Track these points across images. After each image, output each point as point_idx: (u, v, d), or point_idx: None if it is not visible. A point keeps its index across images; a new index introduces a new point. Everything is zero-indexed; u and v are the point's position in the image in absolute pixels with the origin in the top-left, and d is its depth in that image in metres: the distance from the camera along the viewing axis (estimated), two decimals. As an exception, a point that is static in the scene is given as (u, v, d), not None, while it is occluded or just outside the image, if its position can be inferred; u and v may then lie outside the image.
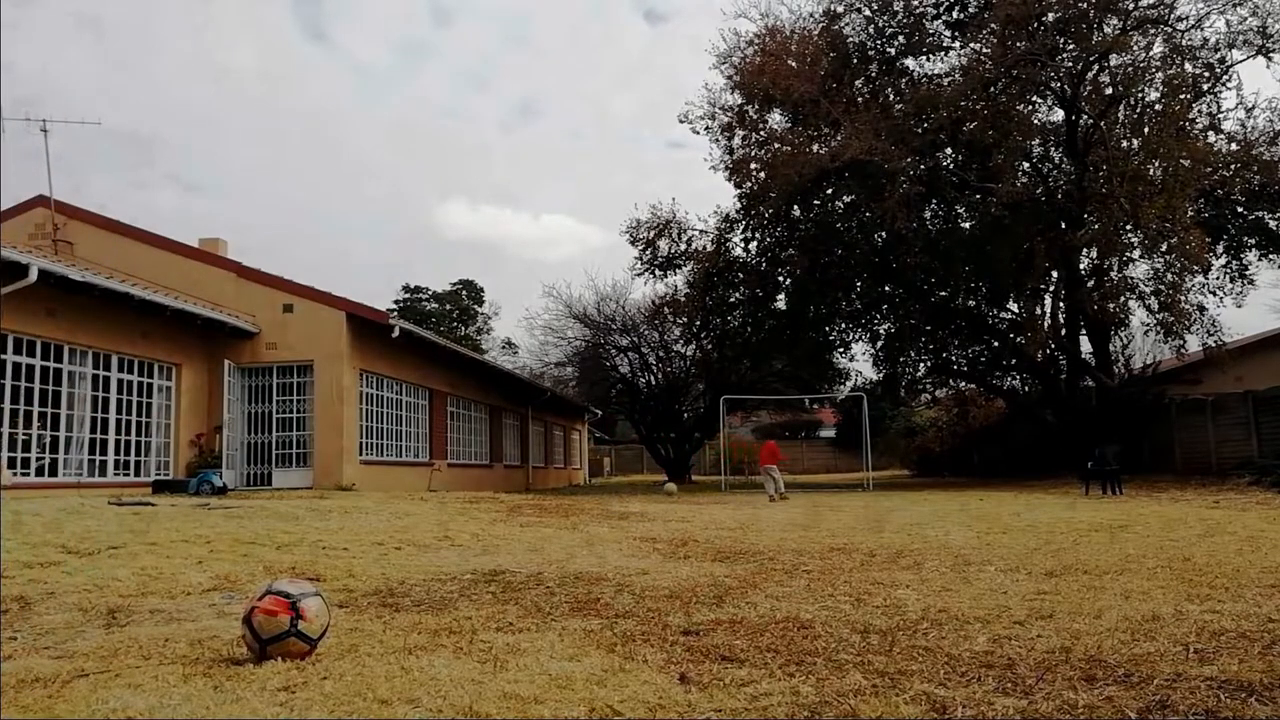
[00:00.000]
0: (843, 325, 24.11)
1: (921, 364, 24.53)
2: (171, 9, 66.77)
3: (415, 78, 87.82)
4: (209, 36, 69.08)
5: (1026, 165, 19.88)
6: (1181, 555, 4.95)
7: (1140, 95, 17.85)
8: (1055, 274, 19.84)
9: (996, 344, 22.57)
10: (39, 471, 11.42)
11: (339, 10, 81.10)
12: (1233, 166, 18.79)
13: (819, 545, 6.04)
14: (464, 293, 52.43)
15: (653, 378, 30.42)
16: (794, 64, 20.30)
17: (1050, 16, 17.51)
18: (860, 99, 19.75)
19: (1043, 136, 19.98)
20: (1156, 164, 16.60)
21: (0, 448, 10.63)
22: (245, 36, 74.37)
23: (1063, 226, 18.30)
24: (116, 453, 12.73)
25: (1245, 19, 17.64)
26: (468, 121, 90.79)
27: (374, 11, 78.10)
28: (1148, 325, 19.76)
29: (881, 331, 23.77)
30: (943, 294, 21.80)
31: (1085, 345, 20.68)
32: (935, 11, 19.78)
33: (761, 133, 21.63)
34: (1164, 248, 16.85)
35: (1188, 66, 17.73)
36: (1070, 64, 17.78)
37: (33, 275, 10.07)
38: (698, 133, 22.42)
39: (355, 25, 79.94)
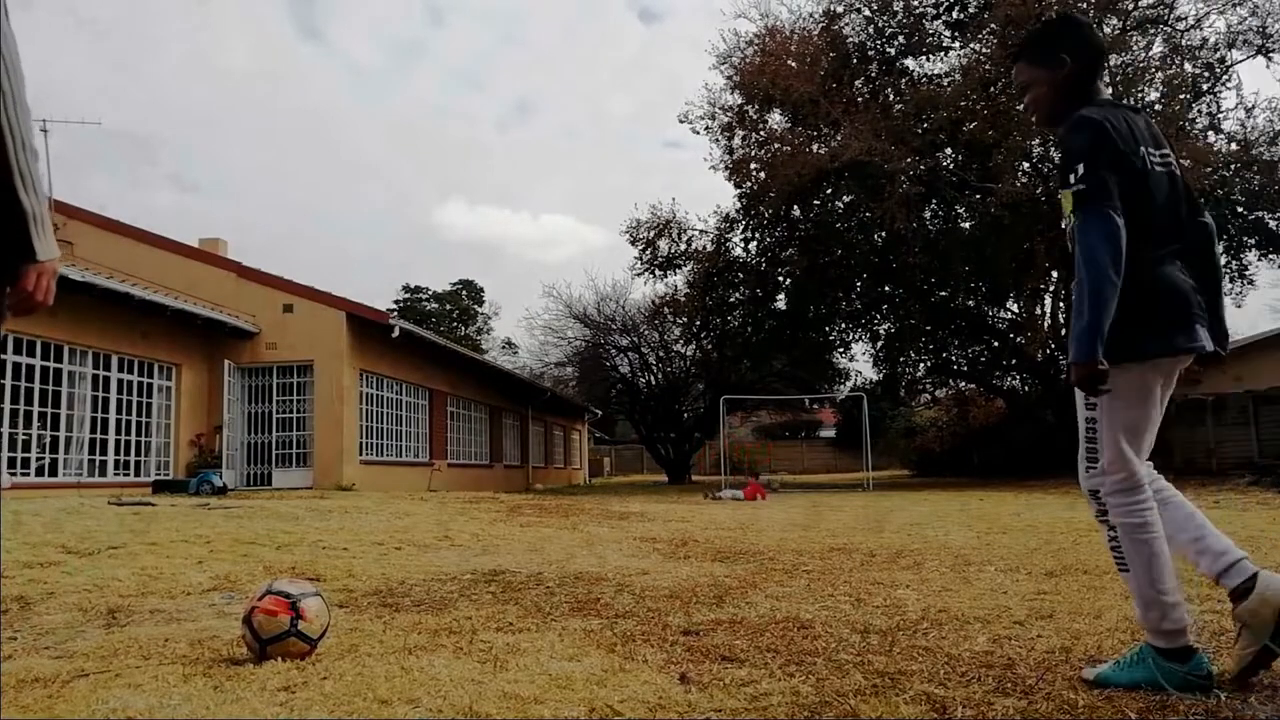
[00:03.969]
0: (843, 325, 24.11)
1: (921, 364, 24.53)
2: (170, 9, 66.80)
3: (412, 77, 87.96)
4: (207, 37, 69.12)
5: (1026, 165, 19.88)
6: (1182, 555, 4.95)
7: (1140, 95, 17.85)
8: (1055, 274, 19.84)
9: (996, 344, 22.57)
10: (39, 471, 11.42)
11: (334, 10, 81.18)
12: (1233, 166, 18.79)
13: (819, 545, 6.04)
14: (464, 293, 52.48)
15: (653, 378, 30.41)
16: (794, 64, 20.30)
17: (1050, 16, 17.50)
18: (860, 99, 19.75)
19: (1043, 136, 19.97)
20: (1157, 164, 16.58)
21: (0, 448, 10.63)
22: (243, 37, 74.41)
23: (1063, 226, 18.29)
24: (116, 453, 12.74)
25: (1245, 19, 17.67)
26: (465, 121, 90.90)
27: (370, 11, 78.19)
28: (1148, 325, 19.75)
29: (881, 331, 23.77)
30: (943, 294, 21.80)
31: (1085, 345, 20.65)
32: (935, 12, 19.79)
33: (761, 133, 21.64)
34: (1164, 248, 16.84)
35: (1187, 66, 17.75)
36: (1070, 64, 17.77)
37: (33, 275, 10.05)
38: (698, 132, 22.49)
39: (351, 25, 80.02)
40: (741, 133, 21.93)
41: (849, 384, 27.17)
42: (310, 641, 2.52)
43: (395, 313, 28.34)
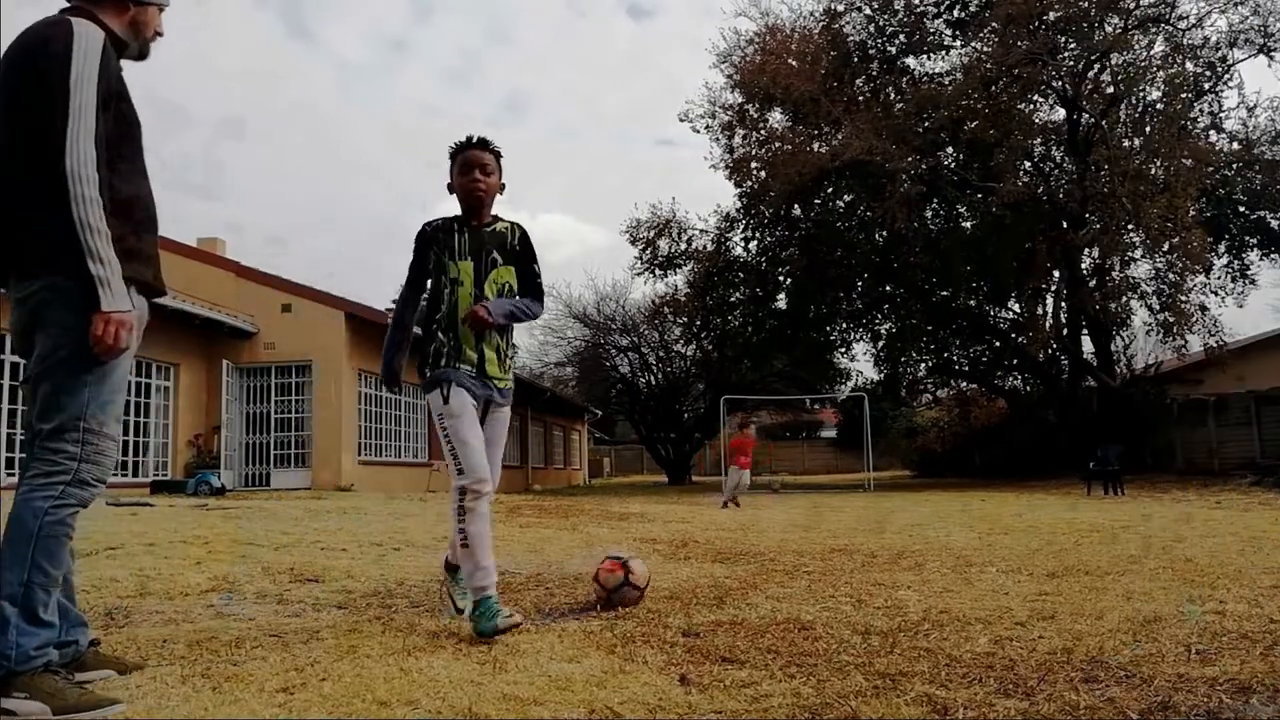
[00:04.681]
0: (843, 325, 24.10)
1: (923, 364, 24.52)
2: (168, 9, 66.95)
3: (410, 75, 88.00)
4: (205, 38, 69.19)
5: (1028, 164, 19.86)
6: (1183, 556, 4.94)
7: (1142, 94, 17.84)
8: (1057, 273, 19.83)
9: (998, 344, 22.56)
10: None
11: (330, 9, 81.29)
12: (1234, 166, 18.79)
13: (820, 546, 6.02)
14: (464, 293, 52.38)
15: (653, 378, 30.40)
16: (794, 63, 20.30)
17: (1051, 15, 17.50)
18: (861, 98, 19.75)
19: (1044, 136, 19.97)
20: (1158, 163, 16.60)
21: None
22: (241, 37, 74.48)
23: (1064, 226, 18.29)
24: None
25: (1246, 18, 17.67)
26: (461, 120, 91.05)
27: (360, 9, 78.35)
28: (1149, 325, 19.77)
29: (882, 331, 23.77)
30: (944, 293, 21.78)
31: (1087, 345, 20.67)
32: (936, 10, 19.78)
33: (762, 132, 21.64)
34: (1165, 247, 16.84)
35: (1189, 65, 17.74)
36: (1071, 63, 17.77)
37: (32, 275, 10.04)
38: (698, 131, 22.47)
39: (347, 24, 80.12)
40: (742, 131, 21.92)
41: (850, 384, 27.16)
42: (639, 589, 3.36)
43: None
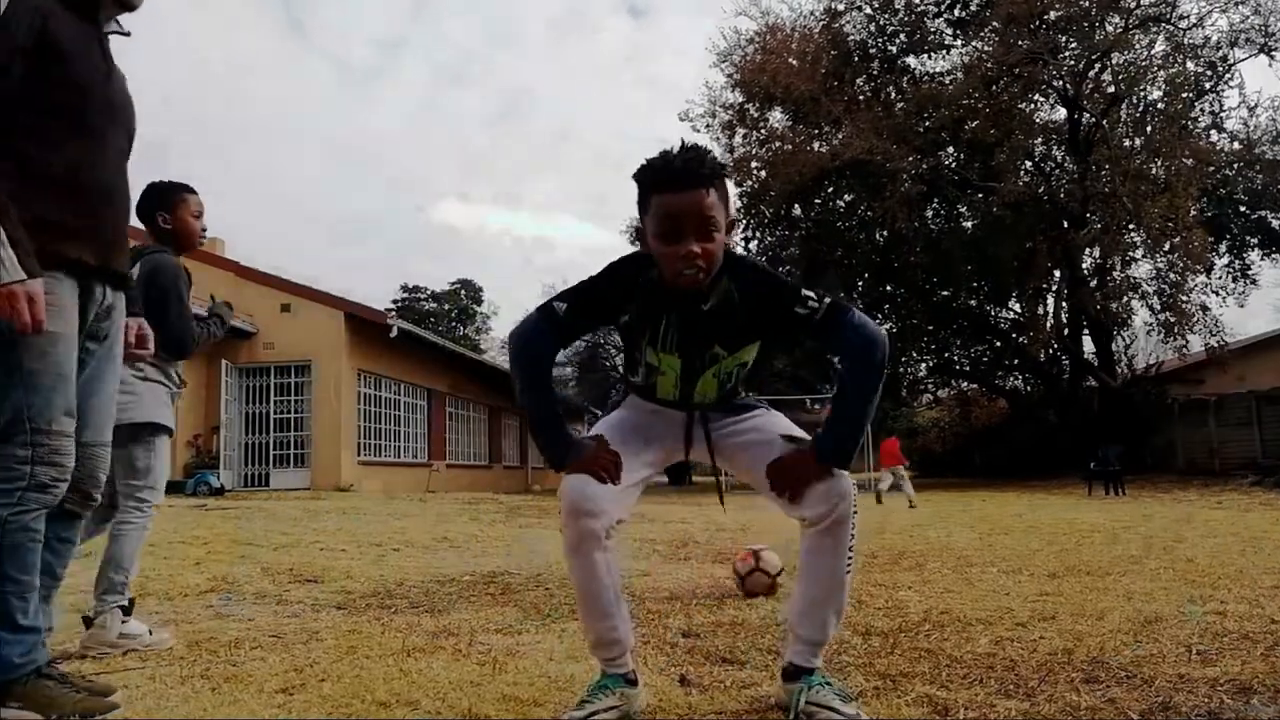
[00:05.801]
0: (844, 325, 24.10)
1: (923, 364, 24.53)
2: (167, 9, 66.97)
3: (410, 75, 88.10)
4: (205, 38, 69.26)
5: (1029, 164, 19.87)
6: (1184, 556, 4.93)
7: (1142, 94, 17.85)
8: (1057, 273, 19.84)
9: (999, 344, 22.58)
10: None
11: (332, 8, 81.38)
12: (1235, 165, 18.77)
13: (820, 545, 6.00)
14: (463, 292, 52.35)
15: (653, 377, 30.40)
16: (795, 62, 20.30)
17: (1052, 15, 17.52)
18: (862, 97, 19.76)
19: (1045, 135, 19.98)
20: (1159, 163, 16.61)
21: None
22: (241, 37, 74.57)
23: (1065, 226, 18.30)
24: (117, 453, 12.71)
25: (1247, 17, 17.67)
26: (462, 119, 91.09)
27: (358, 7, 78.42)
28: (1150, 325, 19.78)
29: (883, 331, 23.78)
30: (944, 293, 21.80)
31: (1088, 345, 20.68)
32: (937, 9, 19.78)
33: (762, 131, 21.64)
34: (1166, 247, 16.86)
35: (1190, 65, 17.76)
36: (1072, 62, 17.78)
37: (33, 275, 10.03)
38: (698, 131, 22.45)
39: (340, 21, 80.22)
40: (742, 131, 21.93)
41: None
42: (770, 575, 3.67)
43: (394, 312, 28.35)
